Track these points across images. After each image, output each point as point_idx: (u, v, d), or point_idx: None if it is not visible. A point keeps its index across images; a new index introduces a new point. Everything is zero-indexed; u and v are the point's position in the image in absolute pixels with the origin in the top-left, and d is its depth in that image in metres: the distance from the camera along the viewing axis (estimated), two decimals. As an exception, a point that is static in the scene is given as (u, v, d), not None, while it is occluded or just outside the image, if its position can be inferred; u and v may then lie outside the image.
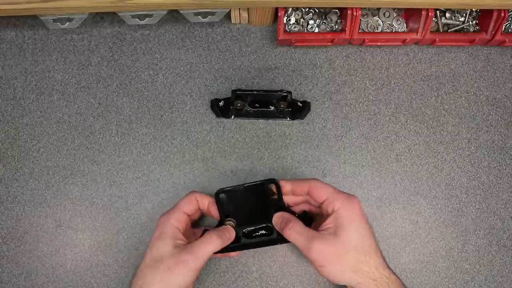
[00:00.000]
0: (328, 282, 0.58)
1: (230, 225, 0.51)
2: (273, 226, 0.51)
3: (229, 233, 0.50)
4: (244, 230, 0.52)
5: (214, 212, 0.52)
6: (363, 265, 0.46)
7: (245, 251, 0.58)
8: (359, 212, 0.47)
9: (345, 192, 0.49)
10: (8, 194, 0.59)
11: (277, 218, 0.50)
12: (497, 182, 0.61)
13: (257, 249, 0.58)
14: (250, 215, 0.52)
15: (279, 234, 0.51)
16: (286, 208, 0.51)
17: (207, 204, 0.52)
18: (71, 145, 0.60)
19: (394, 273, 0.47)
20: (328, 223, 0.47)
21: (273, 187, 0.51)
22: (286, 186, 0.51)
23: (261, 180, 0.51)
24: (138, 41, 0.62)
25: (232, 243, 0.51)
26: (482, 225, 0.60)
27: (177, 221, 0.50)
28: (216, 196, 0.51)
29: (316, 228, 0.48)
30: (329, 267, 0.46)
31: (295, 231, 0.47)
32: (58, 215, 0.59)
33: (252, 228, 0.52)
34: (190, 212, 0.51)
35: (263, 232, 0.52)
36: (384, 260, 0.47)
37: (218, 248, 0.48)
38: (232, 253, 0.54)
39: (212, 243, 0.48)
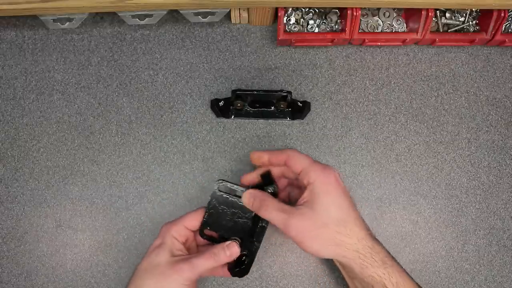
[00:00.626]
0: (328, 282, 0.58)
1: (234, 240, 0.50)
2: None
3: (229, 250, 0.48)
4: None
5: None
6: (344, 237, 0.44)
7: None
8: (335, 183, 0.46)
9: (320, 163, 0.47)
10: (8, 194, 0.59)
11: (249, 197, 0.48)
12: (497, 182, 0.61)
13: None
14: (235, 227, 0.52)
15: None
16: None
17: None
18: (71, 145, 0.60)
19: (379, 243, 0.46)
20: (305, 196, 0.46)
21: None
22: (263, 156, 0.50)
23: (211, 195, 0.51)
24: (138, 41, 0.62)
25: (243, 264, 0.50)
26: (482, 225, 0.60)
27: (178, 233, 0.50)
28: (203, 236, 0.51)
29: (295, 203, 0.47)
30: (309, 242, 0.45)
31: (270, 209, 0.46)
32: (58, 215, 0.59)
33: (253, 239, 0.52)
34: (193, 227, 0.51)
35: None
36: (368, 230, 0.46)
37: (217, 264, 0.48)
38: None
39: (209, 258, 0.47)
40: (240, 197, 0.50)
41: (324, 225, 0.44)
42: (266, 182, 0.50)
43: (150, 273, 0.46)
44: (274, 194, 0.49)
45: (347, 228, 0.44)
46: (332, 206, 0.45)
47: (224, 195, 0.51)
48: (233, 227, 0.51)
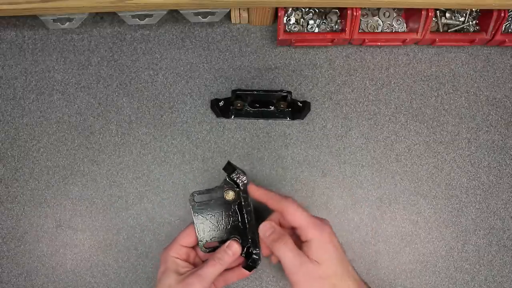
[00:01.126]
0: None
1: (233, 239, 0.51)
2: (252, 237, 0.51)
3: (230, 249, 0.50)
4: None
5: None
6: None
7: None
8: (332, 241, 0.48)
9: (316, 219, 0.49)
10: (8, 194, 0.59)
11: (269, 227, 0.50)
12: (497, 182, 0.61)
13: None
14: (226, 225, 0.52)
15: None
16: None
17: None
18: (71, 145, 0.60)
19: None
20: (306, 251, 0.48)
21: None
22: (261, 196, 0.51)
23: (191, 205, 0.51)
24: (138, 41, 0.62)
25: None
26: (482, 225, 0.60)
27: (177, 253, 0.50)
28: (202, 248, 0.51)
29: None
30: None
31: (287, 248, 0.48)
32: (58, 215, 0.59)
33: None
34: (189, 244, 0.51)
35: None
36: (360, 281, 0.49)
37: (223, 267, 0.49)
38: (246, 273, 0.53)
39: (214, 264, 0.48)
40: (218, 192, 0.51)
41: (327, 278, 0.47)
42: (229, 171, 0.51)
43: None
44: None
45: (342, 281, 0.47)
46: (329, 262, 0.47)
47: (203, 203, 0.51)
48: (226, 227, 0.52)
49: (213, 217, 0.52)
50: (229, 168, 0.51)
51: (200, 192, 0.51)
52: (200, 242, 0.51)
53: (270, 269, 0.58)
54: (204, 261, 0.52)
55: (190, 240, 0.51)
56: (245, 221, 0.51)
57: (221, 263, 0.49)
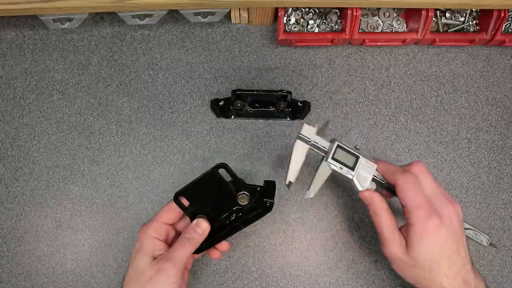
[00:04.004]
0: (328, 282, 0.58)
1: (201, 217, 0.49)
2: (241, 207, 0.49)
3: (199, 228, 0.48)
4: (217, 221, 0.50)
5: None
6: (424, 280, 0.46)
7: (244, 251, 0.58)
8: (433, 233, 0.45)
9: (429, 205, 0.45)
10: (8, 194, 0.59)
11: (365, 198, 0.48)
12: (497, 182, 0.61)
13: (256, 249, 0.58)
14: (217, 205, 0.50)
15: (250, 211, 0.49)
16: (246, 186, 0.49)
17: None
18: (71, 145, 0.60)
19: None
20: (405, 236, 0.47)
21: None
22: (380, 165, 0.49)
23: (210, 168, 0.49)
24: (138, 41, 0.62)
25: (211, 237, 0.49)
26: (482, 225, 0.60)
27: (156, 232, 0.49)
28: (176, 200, 0.50)
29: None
30: (396, 267, 0.48)
31: (381, 228, 0.48)
32: (58, 215, 0.59)
33: (224, 216, 0.50)
34: (170, 220, 0.50)
35: (235, 216, 0.50)
36: (469, 280, 0.45)
37: (194, 247, 0.48)
38: (216, 253, 0.52)
39: (185, 245, 0.47)
40: (194, 181, 0.49)
41: (414, 266, 0.46)
42: (268, 191, 0.50)
43: (138, 282, 0.47)
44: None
45: (432, 274, 0.45)
46: (421, 255, 0.45)
47: (183, 188, 0.49)
48: (209, 204, 0.50)
49: (213, 191, 0.50)
50: (271, 190, 0.50)
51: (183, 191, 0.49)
52: (180, 192, 0.50)
53: (270, 269, 0.58)
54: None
55: (172, 215, 0.50)
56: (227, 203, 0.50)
57: (191, 242, 0.48)
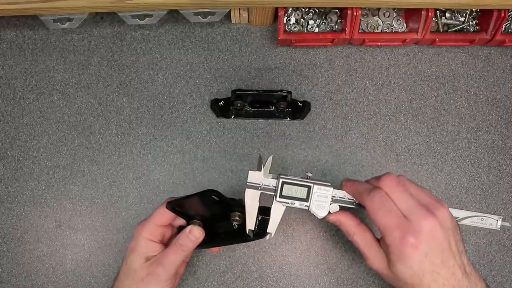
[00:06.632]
0: (328, 282, 0.58)
1: (195, 223, 0.49)
2: (234, 224, 0.49)
3: (193, 234, 0.48)
4: (211, 228, 0.50)
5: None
6: None
7: (244, 251, 0.58)
8: (410, 253, 0.42)
9: (403, 224, 0.43)
10: (8, 194, 0.59)
11: (336, 220, 0.48)
12: (497, 182, 0.61)
13: (256, 249, 0.58)
14: (210, 217, 0.50)
15: (241, 232, 0.48)
16: (241, 206, 0.48)
17: None
18: (71, 145, 0.60)
19: None
20: (384, 246, 0.45)
21: None
22: (346, 187, 0.48)
23: (201, 192, 0.47)
24: (138, 41, 0.62)
25: (204, 242, 0.49)
26: (482, 225, 0.60)
27: (150, 234, 0.49)
28: (168, 208, 0.48)
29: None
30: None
31: (361, 245, 0.47)
32: (58, 215, 0.59)
33: (217, 225, 0.50)
34: (164, 222, 0.49)
35: (227, 231, 0.50)
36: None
37: (186, 253, 0.48)
38: (214, 249, 0.53)
39: (177, 251, 0.48)
40: (185, 197, 0.47)
41: (397, 280, 0.44)
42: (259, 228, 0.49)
43: (131, 280, 0.48)
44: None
45: None
46: (402, 273, 0.43)
47: (175, 200, 0.48)
48: (203, 216, 0.49)
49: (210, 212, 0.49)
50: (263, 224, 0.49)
51: (176, 202, 0.48)
52: (174, 202, 0.48)
53: (270, 269, 0.58)
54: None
55: (166, 217, 0.49)
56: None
57: (184, 249, 0.48)
